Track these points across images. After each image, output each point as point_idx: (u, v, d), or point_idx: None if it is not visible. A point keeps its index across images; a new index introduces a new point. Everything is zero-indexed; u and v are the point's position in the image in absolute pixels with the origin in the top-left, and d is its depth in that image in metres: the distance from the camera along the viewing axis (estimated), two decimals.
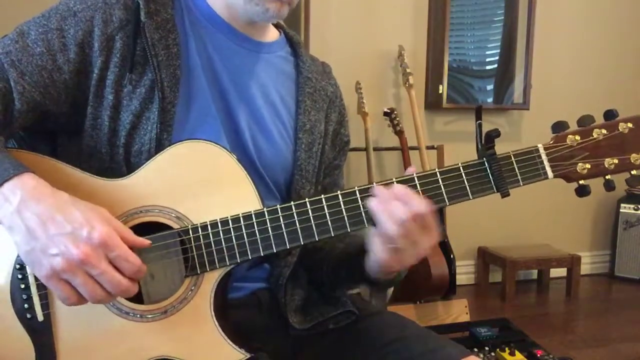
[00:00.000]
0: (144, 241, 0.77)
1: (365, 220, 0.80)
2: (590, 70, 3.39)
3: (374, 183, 0.81)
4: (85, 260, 0.69)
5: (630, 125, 0.81)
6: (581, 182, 0.82)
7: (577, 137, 0.81)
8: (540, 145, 0.82)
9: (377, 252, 0.81)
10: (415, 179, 0.81)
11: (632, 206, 3.32)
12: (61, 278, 0.71)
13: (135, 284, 0.74)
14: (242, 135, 0.94)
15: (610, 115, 0.82)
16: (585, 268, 3.34)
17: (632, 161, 0.81)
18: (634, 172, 0.81)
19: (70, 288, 0.72)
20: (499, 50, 3.16)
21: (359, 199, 0.80)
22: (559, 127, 0.82)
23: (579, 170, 0.81)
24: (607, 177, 0.82)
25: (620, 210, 3.35)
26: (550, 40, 3.26)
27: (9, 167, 0.73)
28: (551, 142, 0.82)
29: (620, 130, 0.81)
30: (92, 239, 0.70)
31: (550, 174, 0.81)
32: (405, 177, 0.81)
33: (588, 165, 0.81)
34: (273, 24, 1.05)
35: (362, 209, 0.80)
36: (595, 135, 0.81)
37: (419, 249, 0.79)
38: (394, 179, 0.81)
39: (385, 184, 0.80)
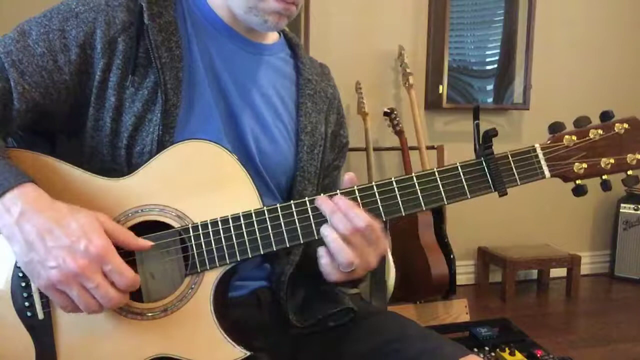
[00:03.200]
0: (146, 243, 0.78)
1: None
2: (590, 70, 3.39)
3: (373, 182, 0.81)
4: (81, 273, 0.71)
5: (626, 126, 0.81)
6: (578, 181, 0.83)
7: (574, 138, 0.82)
8: (537, 145, 0.82)
9: (325, 268, 0.81)
10: (414, 178, 0.81)
11: (632, 206, 3.32)
12: (58, 288, 0.73)
13: (126, 295, 0.76)
14: (245, 137, 0.94)
15: (606, 116, 0.82)
16: (585, 268, 3.34)
17: (628, 161, 0.81)
18: (630, 172, 0.82)
19: (67, 298, 0.74)
20: (499, 50, 3.16)
21: (358, 198, 0.80)
22: (555, 128, 0.82)
23: (575, 170, 0.82)
24: (604, 177, 0.83)
25: (620, 210, 3.36)
26: (550, 40, 3.27)
27: (10, 176, 0.73)
28: (548, 142, 0.83)
29: (616, 130, 0.81)
30: (89, 252, 0.71)
31: (547, 173, 0.82)
32: (404, 177, 0.81)
33: (585, 165, 0.82)
34: None
35: (361, 207, 0.80)
36: (591, 136, 0.82)
37: (365, 263, 0.80)
38: (393, 178, 0.81)
39: (346, 190, 0.81)
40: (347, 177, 0.83)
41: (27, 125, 0.86)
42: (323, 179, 1.06)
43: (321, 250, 0.80)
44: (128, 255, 0.78)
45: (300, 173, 0.98)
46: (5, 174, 0.74)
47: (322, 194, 0.81)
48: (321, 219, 0.80)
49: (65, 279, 0.71)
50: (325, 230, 0.79)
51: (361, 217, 0.78)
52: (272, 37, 1.05)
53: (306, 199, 0.81)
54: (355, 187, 0.81)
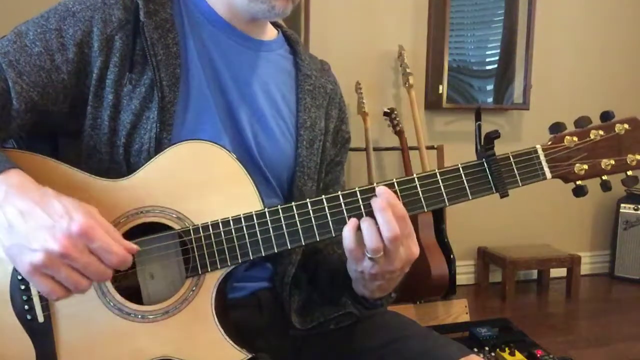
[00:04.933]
0: (131, 246, 0.74)
1: None
2: (590, 70, 3.39)
3: (375, 184, 0.81)
4: (66, 253, 0.67)
5: (626, 126, 0.82)
6: (578, 182, 0.83)
7: (575, 138, 0.82)
8: (538, 146, 0.82)
9: (350, 254, 0.79)
10: (416, 179, 0.81)
11: (632, 206, 3.32)
12: (43, 273, 0.69)
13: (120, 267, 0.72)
14: (244, 133, 0.94)
15: (606, 116, 0.83)
16: (585, 268, 3.34)
17: (628, 162, 0.82)
18: (630, 172, 0.82)
19: (54, 282, 0.70)
20: (499, 50, 3.16)
21: (359, 199, 0.80)
22: (556, 128, 0.83)
23: (576, 171, 0.82)
24: (604, 177, 0.83)
25: (620, 210, 3.36)
26: (550, 40, 3.26)
27: None
28: (549, 143, 0.83)
29: (617, 131, 0.82)
30: (71, 230, 0.68)
31: (548, 174, 0.82)
32: (406, 178, 0.81)
33: (585, 166, 0.82)
34: (271, 23, 1.06)
35: (362, 209, 0.80)
36: (592, 137, 0.82)
37: (389, 263, 0.78)
38: (394, 180, 0.81)
39: (386, 184, 0.81)
40: None
41: (27, 126, 0.85)
42: (325, 175, 1.06)
43: (347, 235, 0.78)
44: None
45: (300, 168, 0.98)
46: None
47: (322, 195, 0.81)
48: (323, 221, 0.80)
49: (50, 261, 0.68)
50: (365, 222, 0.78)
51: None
52: (271, 34, 1.05)
53: (307, 200, 0.81)
54: (357, 189, 0.81)
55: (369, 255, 0.77)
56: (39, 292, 0.79)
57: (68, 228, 0.68)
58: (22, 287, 0.79)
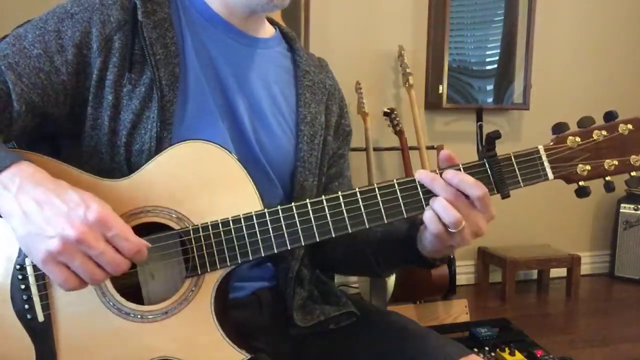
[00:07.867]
0: (144, 241, 0.75)
1: (366, 221, 0.80)
2: (590, 71, 3.39)
3: (375, 185, 0.81)
4: (82, 239, 0.68)
5: (630, 126, 0.80)
6: (581, 183, 0.82)
7: (578, 139, 0.81)
8: (540, 147, 0.81)
9: (431, 228, 0.79)
10: (416, 180, 0.81)
11: (632, 206, 3.32)
12: (58, 261, 0.69)
13: (129, 262, 0.72)
14: (244, 130, 0.94)
15: (610, 116, 0.81)
16: (585, 268, 3.34)
17: (632, 162, 0.80)
18: (633, 173, 0.81)
19: (68, 271, 0.70)
20: (499, 50, 3.16)
21: (359, 199, 0.80)
22: (559, 128, 0.82)
23: (579, 172, 0.81)
24: (607, 178, 0.82)
25: (620, 210, 3.36)
26: (550, 40, 3.26)
27: (5, 156, 0.73)
28: (551, 143, 0.82)
29: (620, 131, 0.80)
30: (88, 217, 0.68)
31: (550, 175, 0.81)
32: (407, 179, 0.81)
33: (588, 167, 0.81)
34: (268, 21, 1.06)
35: (362, 209, 0.80)
36: (595, 137, 0.81)
37: (474, 225, 0.80)
38: (395, 180, 0.81)
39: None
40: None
41: (29, 128, 0.85)
42: (328, 168, 1.06)
43: (428, 216, 0.79)
44: None
45: (301, 163, 0.98)
46: (0, 154, 0.73)
47: (323, 196, 0.81)
48: (323, 221, 0.80)
49: (65, 248, 0.68)
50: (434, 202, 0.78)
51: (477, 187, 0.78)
52: (269, 32, 1.05)
53: (307, 200, 0.80)
54: (357, 189, 0.80)
55: (454, 229, 0.78)
56: (39, 292, 0.79)
57: (85, 215, 0.69)
58: (22, 286, 0.79)
